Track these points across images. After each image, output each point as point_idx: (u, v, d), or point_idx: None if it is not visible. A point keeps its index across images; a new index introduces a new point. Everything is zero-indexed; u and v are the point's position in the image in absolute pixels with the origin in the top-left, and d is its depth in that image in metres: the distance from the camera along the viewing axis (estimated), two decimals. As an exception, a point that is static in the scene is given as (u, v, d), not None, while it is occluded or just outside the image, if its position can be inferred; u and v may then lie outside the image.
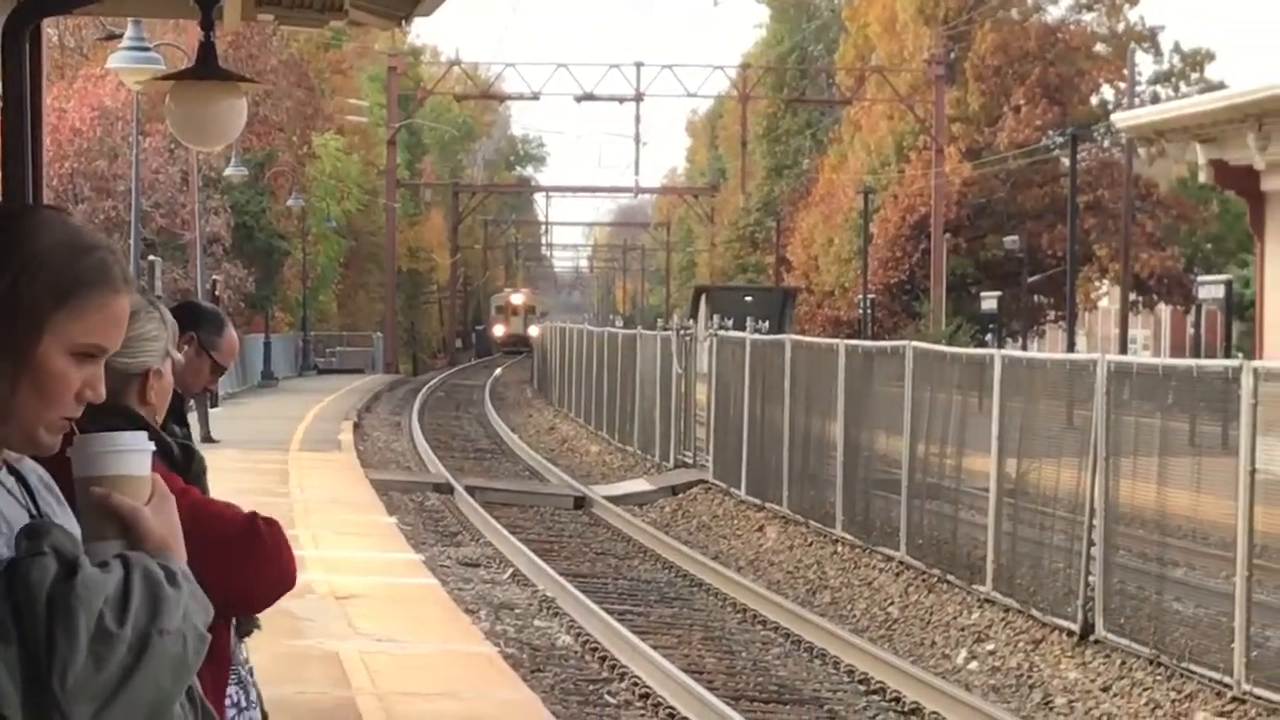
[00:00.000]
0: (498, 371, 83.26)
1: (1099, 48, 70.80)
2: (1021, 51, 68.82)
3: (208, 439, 30.65)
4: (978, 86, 69.54)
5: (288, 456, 31.60)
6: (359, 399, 54.49)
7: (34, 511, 2.60)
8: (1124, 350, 46.99)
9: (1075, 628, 18.13)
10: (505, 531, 25.72)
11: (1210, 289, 42.59)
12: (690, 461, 34.95)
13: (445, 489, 31.37)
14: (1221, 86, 55.71)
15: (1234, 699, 15.43)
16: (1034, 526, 19.75)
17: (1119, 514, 18.24)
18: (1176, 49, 71.07)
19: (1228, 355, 35.57)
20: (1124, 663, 17.10)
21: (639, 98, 78.58)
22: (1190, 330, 55.93)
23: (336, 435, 37.78)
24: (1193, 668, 16.14)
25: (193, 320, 5.42)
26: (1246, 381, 15.93)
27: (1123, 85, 65.56)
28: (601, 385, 45.45)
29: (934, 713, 15.70)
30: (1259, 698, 15.17)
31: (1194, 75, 70.09)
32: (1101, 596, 17.90)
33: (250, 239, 59.83)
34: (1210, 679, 15.85)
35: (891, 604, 21.46)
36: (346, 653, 13.17)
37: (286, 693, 10.51)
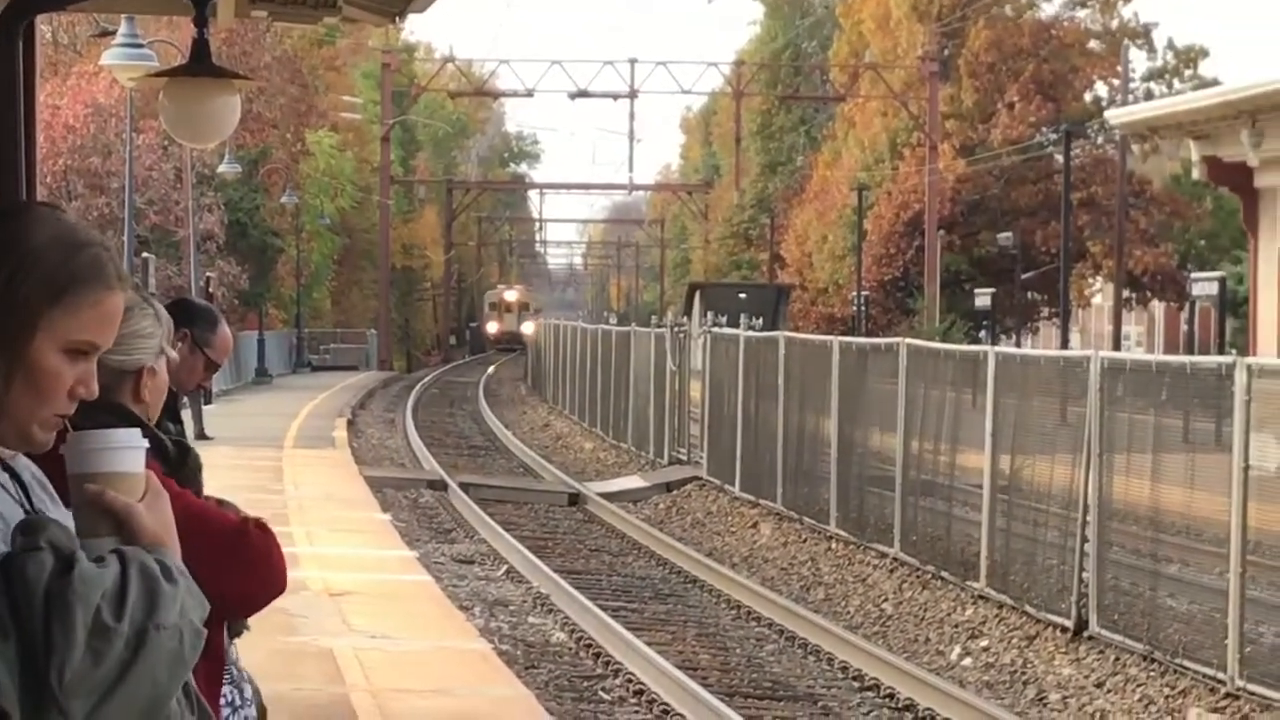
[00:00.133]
0: (491, 369, 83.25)
1: (1093, 44, 70.83)
2: (1015, 48, 68.83)
3: (202, 436, 30.64)
4: (971, 83, 69.56)
5: (282, 453, 31.59)
6: (353, 396, 54.48)
7: (28, 508, 2.60)
8: (1117, 347, 47.06)
9: (1069, 624, 18.14)
10: (499, 528, 25.72)
11: (1204, 286, 42.60)
12: (684, 458, 34.97)
13: (439, 486, 31.38)
14: (1215, 83, 55.74)
15: (1227, 695, 15.44)
16: (1028, 523, 19.77)
17: (1113, 510, 18.25)
18: (1170, 45, 71.11)
19: (1221, 352, 35.57)
20: (1118, 659, 17.12)
21: (633, 94, 78.56)
22: (1184, 327, 55.91)
23: (330, 432, 37.77)
24: (1186, 664, 16.16)
25: (187, 317, 5.42)
26: (1240, 378, 15.94)
27: (1116, 82, 65.61)
28: (596, 382, 45.45)
29: (928, 709, 15.70)
30: (1252, 694, 15.18)
31: (1188, 72, 70.12)
32: (1095, 593, 17.91)
33: (244, 236, 59.80)
34: (1204, 675, 15.86)
35: (885, 600, 21.47)
36: (341, 649, 13.17)
37: (281, 690, 10.50)
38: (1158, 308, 72.04)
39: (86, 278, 2.59)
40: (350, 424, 42.34)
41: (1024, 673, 17.54)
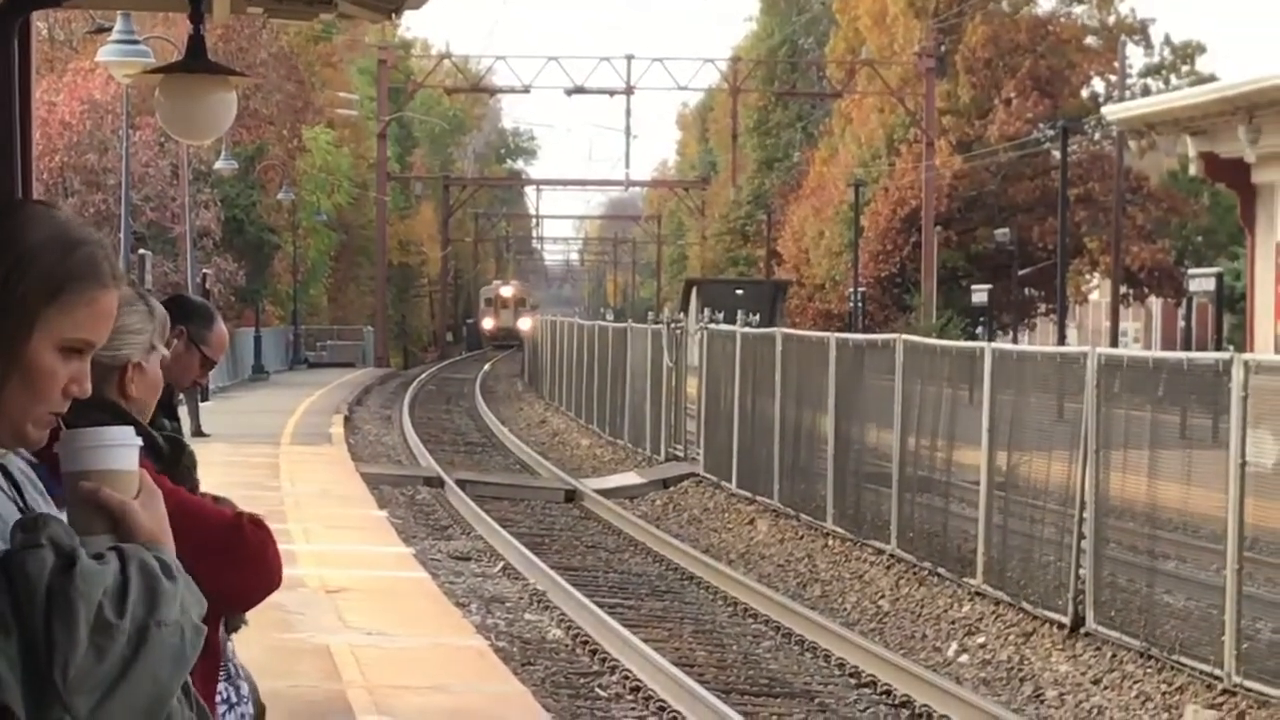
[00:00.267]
0: (488, 365, 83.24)
1: (1090, 40, 70.82)
2: (1012, 44, 68.81)
3: (198, 433, 30.63)
4: (968, 79, 69.53)
5: (278, 450, 31.58)
6: (349, 393, 54.46)
7: (22, 506, 2.60)
8: (1114, 343, 47.04)
9: (1066, 620, 18.14)
10: (496, 525, 25.72)
11: (1201, 282, 42.55)
12: (681, 455, 34.97)
13: (436, 483, 31.38)
14: (1212, 79, 55.75)
15: (1224, 691, 15.45)
16: (1024, 519, 19.77)
17: (1109, 507, 18.25)
18: (1167, 41, 71.08)
19: (1218, 348, 35.58)
20: (1114, 655, 17.12)
21: (629, 91, 78.51)
22: (1181, 323, 55.93)
23: (327, 429, 37.76)
24: (1183, 660, 16.16)
25: (182, 314, 5.40)
26: (1237, 374, 15.93)
27: (1113, 78, 65.66)
28: (592, 378, 45.45)
29: (924, 705, 15.70)
30: (1249, 690, 15.19)
31: (1185, 68, 70.09)
32: (1092, 589, 17.91)
33: (240, 232, 59.78)
34: (1201, 671, 15.86)
35: (882, 597, 21.47)
36: (337, 646, 13.16)
37: (278, 686, 10.49)
38: (1155, 304, 72.04)
39: (83, 276, 2.59)
40: (347, 421, 42.34)
41: (1021, 669, 17.54)
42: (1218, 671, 15.61)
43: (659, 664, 16.22)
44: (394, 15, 9.42)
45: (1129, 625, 17.20)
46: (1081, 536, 18.28)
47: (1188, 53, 70.61)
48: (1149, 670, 16.50)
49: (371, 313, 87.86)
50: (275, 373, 64.31)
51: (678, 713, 15.04)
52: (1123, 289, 55.42)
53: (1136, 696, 16.09)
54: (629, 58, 78.05)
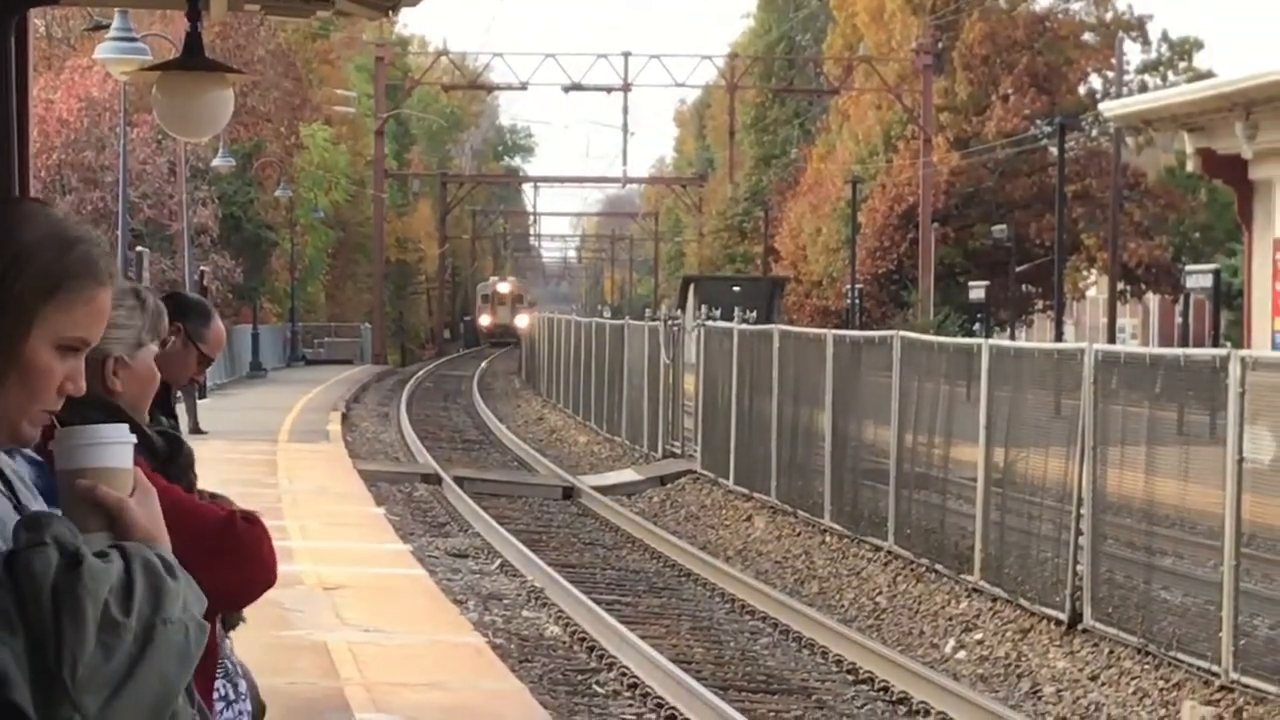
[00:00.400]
0: (485, 363, 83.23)
1: (1087, 37, 70.81)
2: (1009, 40, 68.81)
3: (196, 430, 30.64)
4: (965, 76, 69.54)
5: (276, 447, 31.58)
6: (347, 390, 54.46)
7: (16, 504, 2.60)
8: (1112, 339, 47.01)
9: (1063, 617, 18.14)
10: (493, 522, 25.72)
11: (1198, 278, 42.56)
12: (678, 452, 34.97)
13: (433, 480, 31.38)
14: (1209, 75, 55.75)
15: (1221, 688, 15.45)
16: (1022, 516, 19.77)
17: (1107, 503, 18.26)
18: (1165, 38, 71.09)
19: (1216, 344, 35.59)
20: (1112, 652, 17.12)
21: (627, 88, 78.55)
22: (1178, 319, 55.94)
23: (325, 426, 37.76)
24: (1180, 656, 16.16)
25: (179, 311, 5.40)
26: (1234, 370, 15.94)
27: (1111, 74, 65.66)
28: (589, 376, 45.45)
29: (922, 702, 15.71)
30: (1246, 686, 15.19)
31: (1182, 64, 70.10)
32: (1089, 586, 17.92)
33: (238, 230, 59.78)
34: (1198, 668, 15.87)
35: (879, 594, 21.47)
36: (335, 643, 13.17)
37: (275, 683, 10.49)
38: (1152, 300, 72.04)
39: (80, 274, 2.59)
40: (344, 418, 42.34)
41: (1018, 666, 17.55)
42: (1215, 668, 15.61)
43: (656, 661, 16.22)
44: (391, 12, 9.42)
45: (1126, 621, 17.20)
46: (1079, 533, 18.28)
47: (1185, 49, 70.62)
48: (1146, 666, 16.51)
49: (369, 310, 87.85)
50: (273, 370, 64.30)
51: (675, 709, 15.04)
52: (1120, 285, 55.44)
53: (1134, 693, 16.09)
54: (626, 54, 78.12)
